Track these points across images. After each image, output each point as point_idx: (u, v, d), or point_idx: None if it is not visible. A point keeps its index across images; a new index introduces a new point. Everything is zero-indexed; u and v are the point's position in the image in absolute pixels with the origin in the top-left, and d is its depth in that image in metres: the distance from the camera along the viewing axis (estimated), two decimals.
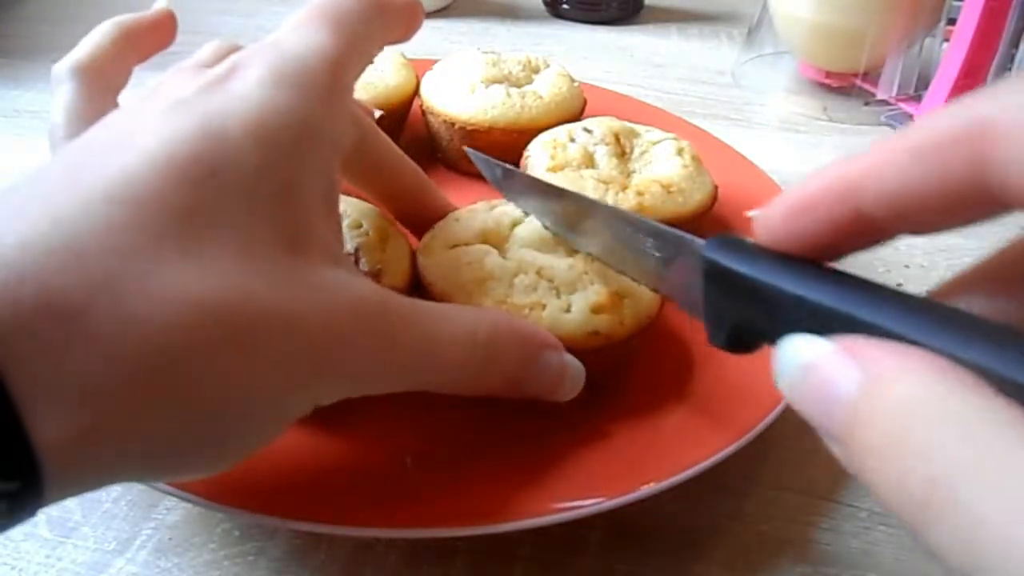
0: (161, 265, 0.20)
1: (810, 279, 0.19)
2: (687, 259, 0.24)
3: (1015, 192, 0.16)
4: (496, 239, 0.34)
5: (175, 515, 0.32)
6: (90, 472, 0.20)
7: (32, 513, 0.19)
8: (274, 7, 0.80)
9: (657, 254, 0.27)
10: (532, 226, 0.35)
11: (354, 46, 0.27)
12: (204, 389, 0.20)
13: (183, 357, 0.19)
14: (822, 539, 0.33)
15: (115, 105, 0.30)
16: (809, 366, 0.17)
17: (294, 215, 0.23)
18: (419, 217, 0.36)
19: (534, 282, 0.32)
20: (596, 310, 0.31)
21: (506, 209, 0.35)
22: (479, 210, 0.35)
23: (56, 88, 0.29)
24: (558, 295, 0.32)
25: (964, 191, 0.16)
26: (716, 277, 0.21)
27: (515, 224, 0.35)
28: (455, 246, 0.34)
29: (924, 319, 0.16)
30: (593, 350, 0.31)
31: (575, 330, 0.31)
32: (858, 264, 0.52)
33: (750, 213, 0.21)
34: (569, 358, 0.29)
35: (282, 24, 0.26)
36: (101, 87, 0.30)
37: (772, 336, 0.19)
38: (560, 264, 0.33)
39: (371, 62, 0.29)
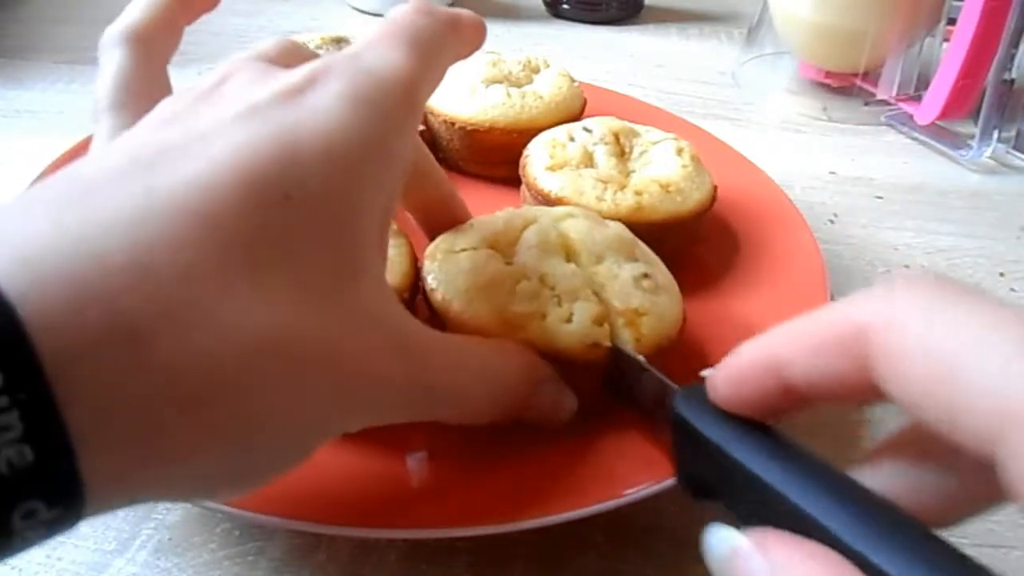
0: (228, 293, 0.19)
1: (755, 449, 0.22)
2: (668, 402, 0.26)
3: (893, 392, 0.18)
4: (504, 243, 0.34)
5: (175, 515, 0.32)
6: (133, 495, 0.19)
7: (67, 530, 0.18)
8: (276, 7, 0.80)
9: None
10: (541, 227, 0.34)
11: (430, 68, 0.26)
12: (255, 420, 0.20)
13: (240, 389, 0.19)
14: None
15: (165, 75, 0.30)
16: (731, 555, 0.20)
17: (354, 241, 0.23)
18: (445, 228, 0.35)
19: (536, 289, 0.31)
20: (597, 321, 0.31)
21: (521, 212, 0.35)
22: (497, 216, 0.35)
23: (106, 54, 0.28)
24: (560, 303, 0.31)
25: (857, 384, 0.19)
26: (682, 428, 0.24)
27: (526, 226, 0.34)
28: (462, 250, 0.33)
29: (838, 509, 0.19)
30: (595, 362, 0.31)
31: (574, 343, 0.30)
32: (858, 266, 0.52)
33: (703, 373, 0.24)
34: (565, 388, 0.30)
35: (359, 38, 0.26)
36: (152, 55, 0.29)
37: (721, 492, 0.23)
38: (564, 271, 0.32)
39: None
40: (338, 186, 0.22)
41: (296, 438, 0.22)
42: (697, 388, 0.24)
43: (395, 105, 0.24)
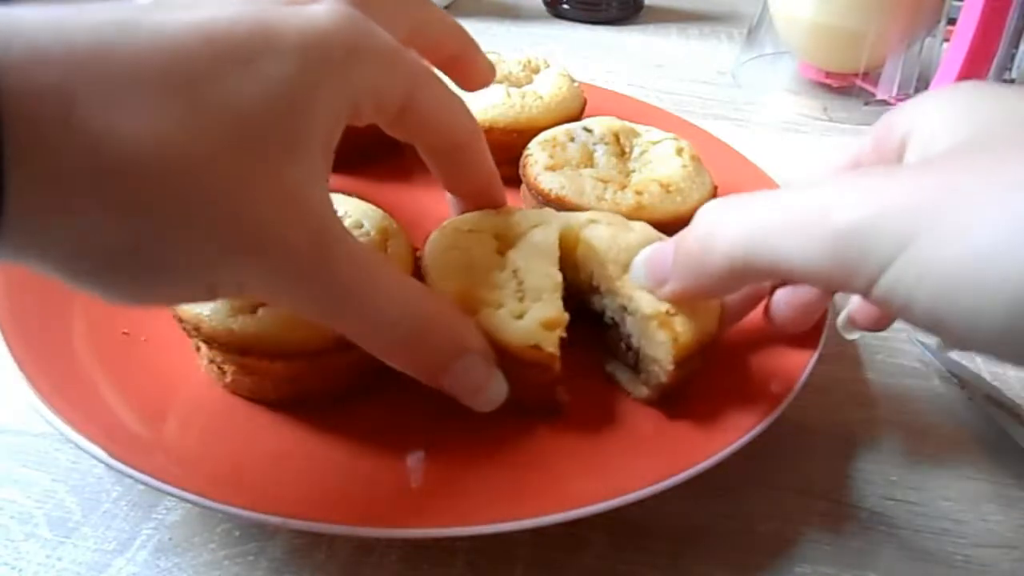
0: (167, 103, 0.22)
1: None
2: None
3: None
4: (510, 235, 0.34)
5: (175, 515, 0.32)
6: (35, 242, 0.21)
7: None
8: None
9: None
10: (548, 230, 0.34)
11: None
12: (149, 217, 0.22)
13: (144, 183, 0.21)
14: (822, 539, 0.33)
15: None
16: None
17: (298, 122, 0.24)
18: (463, 179, 0.35)
19: (505, 280, 0.32)
20: (547, 325, 0.31)
21: (541, 212, 0.35)
22: (520, 210, 0.35)
23: None
24: (521, 300, 0.31)
25: None
26: None
27: (535, 226, 0.34)
28: (468, 231, 0.34)
29: None
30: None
31: (515, 338, 0.30)
32: None
33: None
34: (497, 375, 0.30)
35: None
36: None
37: None
38: (540, 270, 0.32)
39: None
40: (297, 75, 0.24)
41: (184, 260, 0.23)
42: None
43: (379, 35, 0.27)
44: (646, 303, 0.32)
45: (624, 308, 0.33)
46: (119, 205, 0.21)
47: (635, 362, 0.33)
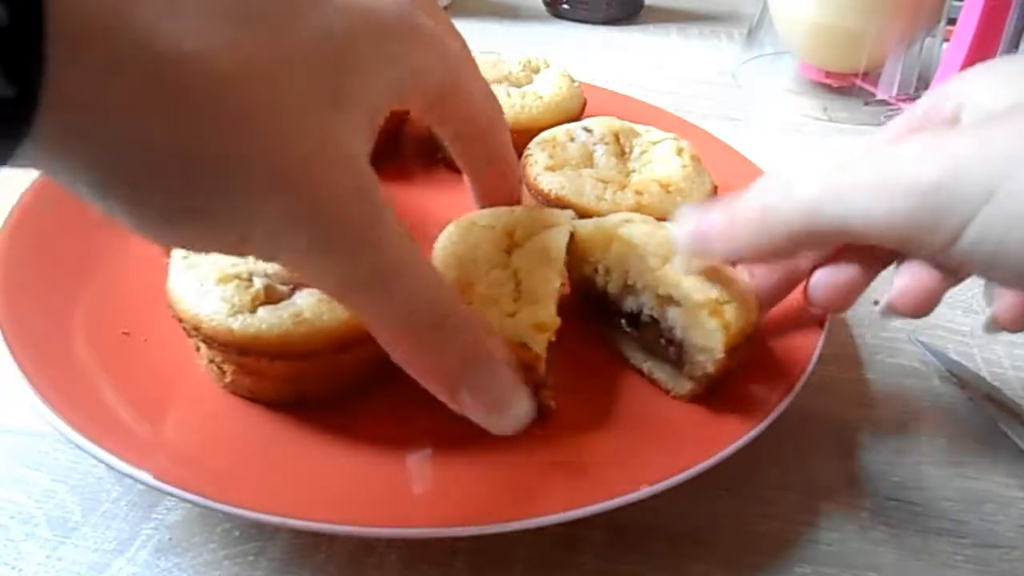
0: (221, 27, 0.20)
1: None
2: None
3: None
4: (521, 234, 0.34)
5: (175, 515, 0.32)
6: (71, 138, 0.20)
7: (8, 149, 0.19)
8: None
9: None
10: (558, 233, 0.34)
11: None
12: (204, 121, 0.21)
13: (209, 83, 0.20)
14: (822, 539, 0.33)
15: None
16: None
17: (352, 83, 0.24)
18: (485, 169, 0.35)
19: (505, 279, 0.32)
20: (538, 328, 0.31)
21: (560, 212, 0.35)
22: (539, 208, 0.36)
23: None
24: (516, 300, 0.32)
25: None
26: None
27: (547, 228, 0.34)
28: (484, 227, 0.34)
29: None
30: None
31: (506, 336, 0.30)
32: None
33: None
34: (525, 392, 0.27)
35: None
36: None
37: None
38: (540, 274, 0.32)
39: None
40: (357, 32, 0.24)
41: (223, 183, 0.21)
42: None
43: (431, 25, 0.27)
44: (696, 292, 0.31)
45: (668, 299, 0.32)
46: (165, 105, 0.20)
47: (677, 356, 0.33)
